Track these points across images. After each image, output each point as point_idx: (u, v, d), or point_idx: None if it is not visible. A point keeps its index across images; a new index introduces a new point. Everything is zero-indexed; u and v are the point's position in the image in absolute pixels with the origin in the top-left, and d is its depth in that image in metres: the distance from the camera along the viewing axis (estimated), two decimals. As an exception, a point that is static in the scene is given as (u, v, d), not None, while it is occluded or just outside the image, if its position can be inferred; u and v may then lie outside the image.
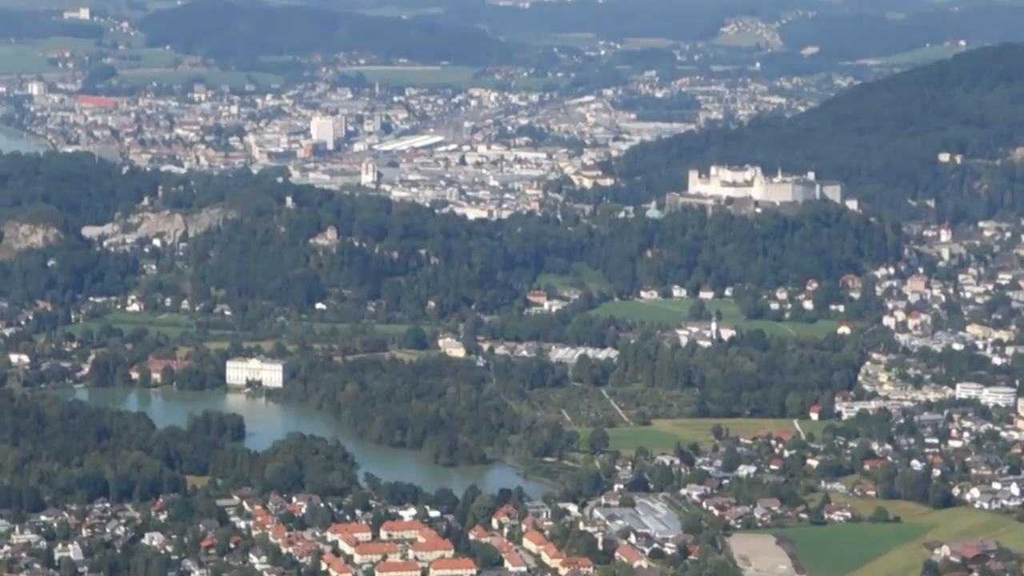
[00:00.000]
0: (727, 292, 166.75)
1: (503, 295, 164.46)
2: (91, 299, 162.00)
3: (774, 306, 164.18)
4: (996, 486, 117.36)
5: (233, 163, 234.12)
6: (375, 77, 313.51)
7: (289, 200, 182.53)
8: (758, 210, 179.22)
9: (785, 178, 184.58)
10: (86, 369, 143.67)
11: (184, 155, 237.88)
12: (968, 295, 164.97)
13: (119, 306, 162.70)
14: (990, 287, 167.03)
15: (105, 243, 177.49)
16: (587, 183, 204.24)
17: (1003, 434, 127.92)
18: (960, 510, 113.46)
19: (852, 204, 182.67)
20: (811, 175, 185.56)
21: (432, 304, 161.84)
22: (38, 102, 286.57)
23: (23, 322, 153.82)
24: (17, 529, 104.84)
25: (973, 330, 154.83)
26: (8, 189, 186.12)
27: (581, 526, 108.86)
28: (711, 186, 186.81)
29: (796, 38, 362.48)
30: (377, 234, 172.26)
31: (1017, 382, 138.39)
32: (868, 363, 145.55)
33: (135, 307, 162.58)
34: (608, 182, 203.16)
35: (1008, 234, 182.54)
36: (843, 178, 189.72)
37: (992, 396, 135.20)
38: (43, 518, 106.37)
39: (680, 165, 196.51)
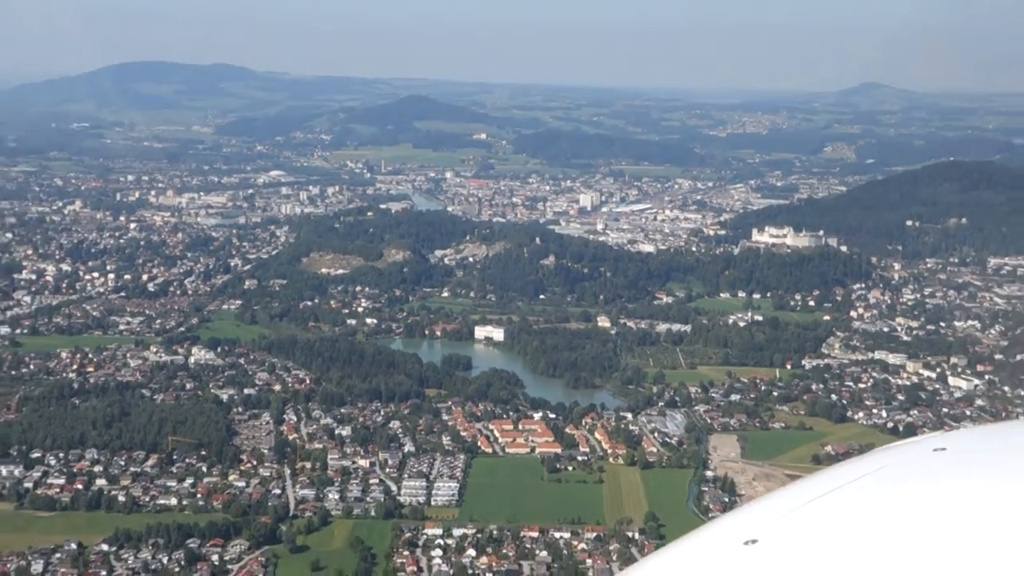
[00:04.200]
0: (768, 295, 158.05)
1: (641, 294, 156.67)
2: (424, 290, 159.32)
3: (791, 303, 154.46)
4: (875, 411, 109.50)
5: (530, 217, 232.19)
6: (628, 171, 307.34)
7: (538, 239, 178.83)
8: (788, 250, 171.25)
9: (805, 233, 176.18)
10: (401, 329, 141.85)
11: (510, 213, 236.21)
12: (904, 300, 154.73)
13: (439, 294, 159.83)
14: (918, 295, 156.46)
15: (445, 260, 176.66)
16: (711, 232, 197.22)
17: (893, 381, 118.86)
18: (850, 425, 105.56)
19: (844, 248, 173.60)
20: (821, 232, 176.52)
21: (601, 298, 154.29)
22: (448, 183, 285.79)
23: (383, 300, 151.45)
24: (323, 415, 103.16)
25: (899, 321, 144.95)
26: (398, 229, 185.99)
27: (629, 427, 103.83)
28: (764, 236, 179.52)
29: (864, 154, 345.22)
30: (578, 258, 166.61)
31: (910, 351, 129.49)
32: (831, 338, 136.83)
33: (446, 295, 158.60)
34: (723, 232, 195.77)
35: (939, 266, 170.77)
36: (848, 234, 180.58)
37: (893, 359, 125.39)
38: (341, 411, 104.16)
39: (760, 224, 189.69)
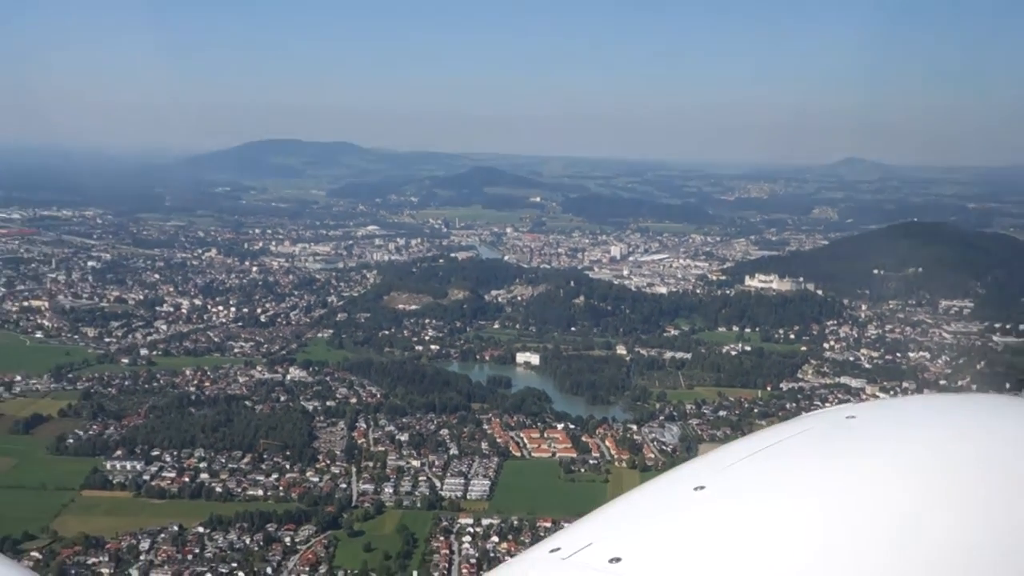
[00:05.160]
0: (756, 329, 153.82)
1: (653, 327, 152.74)
2: (479, 322, 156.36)
3: (775, 336, 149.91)
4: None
5: (571, 264, 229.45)
6: (652, 228, 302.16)
7: (572, 282, 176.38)
8: (774, 293, 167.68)
9: (789, 279, 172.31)
10: (457, 354, 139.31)
11: (555, 261, 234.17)
12: (868, 334, 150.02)
13: (491, 326, 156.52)
14: (880, 331, 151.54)
15: (498, 298, 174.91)
16: (713, 277, 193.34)
17: (853, 401, 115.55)
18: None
19: (820, 291, 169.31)
20: (801, 278, 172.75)
21: (620, 330, 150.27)
22: (507, 236, 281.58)
23: (445, 331, 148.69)
24: (387, 424, 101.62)
25: (863, 351, 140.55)
26: (462, 273, 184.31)
27: (633, 436, 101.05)
28: (755, 281, 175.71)
29: (845, 215, 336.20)
30: (603, 298, 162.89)
31: (870, 376, 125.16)
32: (805, 365, 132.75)
33: (496, 327, 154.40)
34: (723, 277, 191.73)
35: (899, 307, 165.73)
36: (825, 280, 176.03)
37: (855, 383, 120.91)
38: (402, 420, 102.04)
39: (753, 271, 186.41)
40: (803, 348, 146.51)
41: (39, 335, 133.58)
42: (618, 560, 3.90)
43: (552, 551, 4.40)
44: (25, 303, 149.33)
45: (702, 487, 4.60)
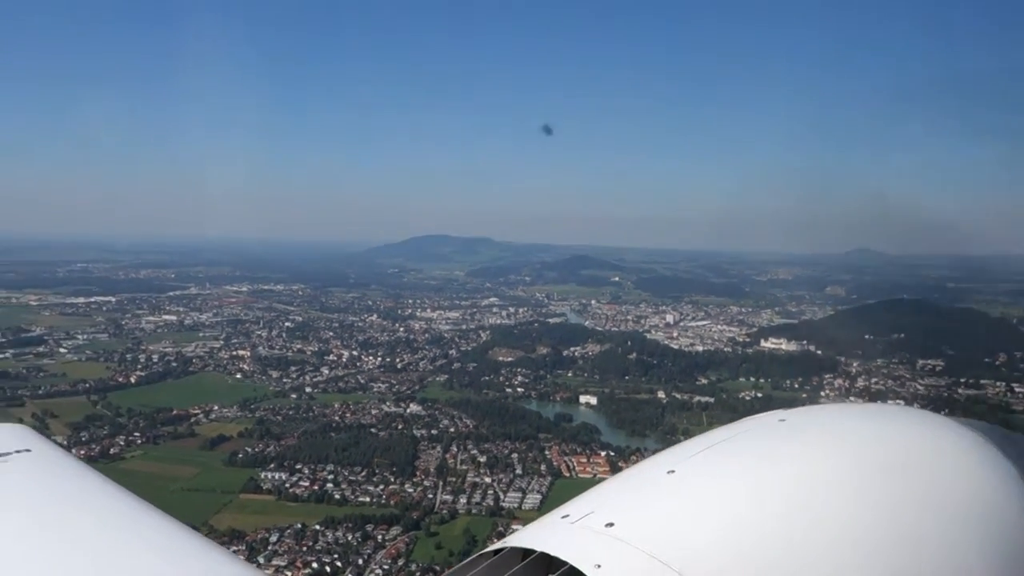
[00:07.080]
0: (768, 380, 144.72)
1: (688, 377, 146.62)
2: (557, 371, 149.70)
3: (783, 386, 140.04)
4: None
5: (635, 328, 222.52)
6: (700, 301, 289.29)
7: (629, 342, 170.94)
8: (783, 352, 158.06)
9: (795, 341, 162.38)
10: (536, 395, 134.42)
11: (623, 325, 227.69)
12: (857, 385, 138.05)
13: (566, 374, 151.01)
14: (867, 383, 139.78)
15: (574, 353, 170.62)
16: (740, 339, 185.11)
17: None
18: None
19: (820, 352, 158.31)
20: (805, 340, 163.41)
21: (662, 379, 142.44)
22: (591, 307, 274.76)
23: (530, 377, 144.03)
24: (473, 448, 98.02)
25: (851, 399, 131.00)
26: (549, 334, 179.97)
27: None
28: (769, 343, 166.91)
29: (851, 292, 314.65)
30: (651, 354, 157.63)
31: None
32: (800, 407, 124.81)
33: (569, 374, 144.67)
34: (747, 339, 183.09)
35: (884, 364, 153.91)
36: (826, 342, 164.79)
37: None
38: (485, 446, 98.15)
39: (767, 336, 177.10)
40: (804, 395, 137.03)
41: (239, 376, 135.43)
42: (612, 524, 4.04)
43: (563, 517, 4.31)
44: (234, 352, 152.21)
45: (673, 471, 4.50)
